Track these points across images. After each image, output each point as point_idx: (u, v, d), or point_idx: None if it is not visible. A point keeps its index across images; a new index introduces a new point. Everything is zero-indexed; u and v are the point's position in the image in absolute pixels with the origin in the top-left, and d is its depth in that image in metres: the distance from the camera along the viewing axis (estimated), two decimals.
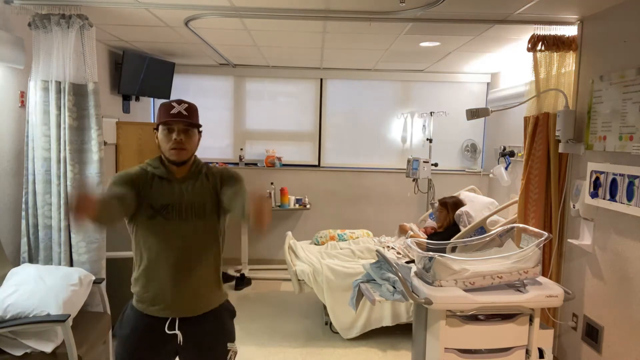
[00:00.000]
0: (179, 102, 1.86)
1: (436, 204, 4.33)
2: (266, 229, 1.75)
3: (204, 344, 1.92)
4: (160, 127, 1.86)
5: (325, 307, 3.78)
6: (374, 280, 2.63)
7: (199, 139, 1.94)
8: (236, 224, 1.99)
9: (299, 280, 3.72)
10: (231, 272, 5.12)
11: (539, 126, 3.11)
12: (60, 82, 2.94)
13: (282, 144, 5.67)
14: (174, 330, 1.88)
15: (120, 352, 1.90)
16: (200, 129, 1.93)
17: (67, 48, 2.92)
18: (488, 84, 5.52)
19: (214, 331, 1.94)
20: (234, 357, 1.99)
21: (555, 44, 3.06)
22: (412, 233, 4.31)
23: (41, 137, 2.96)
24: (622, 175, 2.51)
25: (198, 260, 1.91)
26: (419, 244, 2.58)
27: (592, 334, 2.83)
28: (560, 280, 3.14)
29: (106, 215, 1.69)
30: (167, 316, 1.88)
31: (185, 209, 1.88)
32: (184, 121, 1.83)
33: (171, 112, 1.82)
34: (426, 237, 4.19)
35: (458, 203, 4.13)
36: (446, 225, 4.11)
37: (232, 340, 1.99)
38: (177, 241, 1.87)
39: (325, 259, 3.91)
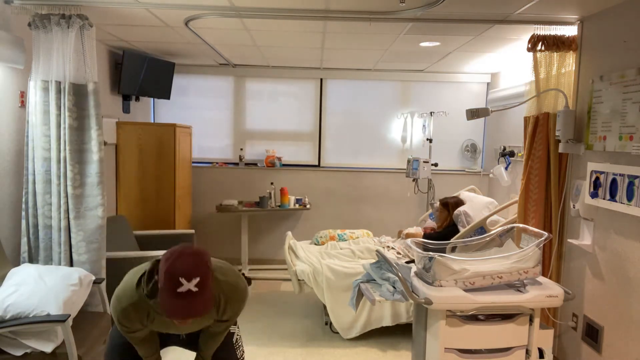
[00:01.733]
0: (189, 276, 1.53)
1: (436, 204, 4.33)
2: None
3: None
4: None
5: (325, 307, 3.78)
6: (374, 280, 2.63)
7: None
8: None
9: (299, 280, 3.72)
10: None
11: (539, 126, 3.11)
12: (60, 82, 2.94)
13: (282, 144, 5.67)
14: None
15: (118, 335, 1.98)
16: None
17: (67, 48, 2.92)
18: (488, 84, 5.52)
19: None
20: (240, 340, 2.08)
21: (555, 44, 3.06)
22: (406, 232, 4.31)
23: (41, 137, 2.96)
24: (622, 175, 2.51)
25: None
26: (418, 244, 2.58)
27: (592, 334, 2.83)
28: (560, 280, 3.15)
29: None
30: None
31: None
32: (194, 317, 1.56)
33: (178, 290, 1.53)
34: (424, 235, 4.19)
35: (459, 203, 4.14)
36: (445, 225, 4.11)
37: (234, 323, 2.09)
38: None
39: (325, 259, 3.91)
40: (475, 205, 4.19)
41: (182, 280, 1.51)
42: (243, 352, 2.16)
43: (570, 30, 3.10)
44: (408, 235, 4.26)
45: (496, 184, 5.05)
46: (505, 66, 4.91)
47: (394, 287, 2.46)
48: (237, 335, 2.09)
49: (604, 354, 2.74)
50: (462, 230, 3.91)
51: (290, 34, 3.78)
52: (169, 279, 1.52)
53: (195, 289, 1.52)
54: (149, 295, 1.68)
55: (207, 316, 1.82)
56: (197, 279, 1.53)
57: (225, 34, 3.84)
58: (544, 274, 3.04)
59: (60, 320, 2.39)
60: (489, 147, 5.47)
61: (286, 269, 3.79)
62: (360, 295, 2.66)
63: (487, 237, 2.77)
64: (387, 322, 3.66)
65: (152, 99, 5.57)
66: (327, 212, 5.64)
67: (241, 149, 5.65)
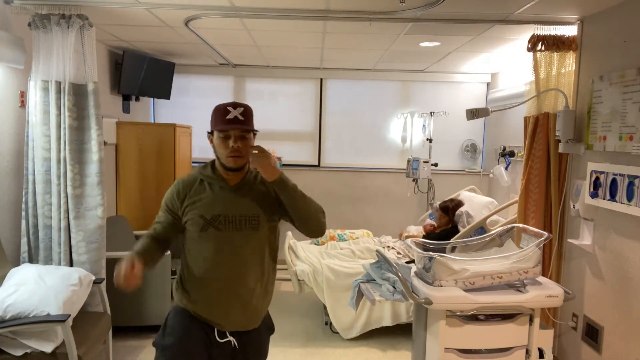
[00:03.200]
0: (234, 105, 1.77)
1: (436, 204, 4.33)
2: (276, 177, 1.72)
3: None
4: (216, 133, 1.79)
5: (325, 307, 3.78)
6: (374, 280, 2.63)
7: (254, 140, 1.87)
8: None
9: (299, 280, 3.72)
10: None
11: (539, 126, 3.11)
12: (60, 82, 2.94)
13: (282, 144, 5.67)
14: (226, 337, 1.88)
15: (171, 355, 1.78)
16: (256, 131, 1.84)
17: (67, 48, 2.92)
18: (488, 84, 5.52)
19: (252, 348, 2.02)
20: None
21: (555, 44, 3.06)
22: (407, 234, 4.31)
23: (41, 137, 2.96)
24: (622, 175, 2.51)
25: (251, 272, 1.84)
26: (418, 244, 2.58)
27: (592, 334, 2.83)
28: (560, 280, 3.14)
29: (151, 265, 1.80)
30: (218, 328, 1.86)
31: (240, 219, 1.81)
32: (241, 127, 1.75)
33: (227, 117, 1.75)
34: (423, 235, 4.19)
35: (459, 205, 4.14)
36: (443, 227, 4.12)
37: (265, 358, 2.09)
38: (230, 253, 1.81)
39: (325, 259, 3.91)
40: (475, 205, 4.19)
41: (229, 108, 1.76)
42: None
43: (570, 30, 3.10)
44: (409, 237, 4.26)
45: (496, 184, 5.05)
46: (505, 66, 4.91)
47: (394, 287, 2.46)
48: None
49: (604, 354, 2.74)
50: (462, 230, 3.91)
51: (290, 34, 3.78)
52: (217, 110, 1.78)
53: (241, 118, 1.75)
54: (204, 167, 1.89)
55: (257, 195, 1.85)
56: (242, 108, 1.77)
57: (225, 34, 3.84)
58: (544, 274, 3.04)
59: (60, 320, 2.39)
60: (489, 147, 5.47)
61: (286, 269, 3.79)
62: (360, 295, 2.66)
63: (487, 237, 2.77)
64: (387, 322, 3.66)
65: (152, 99, 5.57)
66: (327, 212, 5.60)
67: None
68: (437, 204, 4.33)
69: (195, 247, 1.83)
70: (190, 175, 1.89)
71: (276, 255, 1.96)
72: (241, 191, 1.84)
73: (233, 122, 1.75)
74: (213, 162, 1.89)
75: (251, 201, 1.84)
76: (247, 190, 1.85)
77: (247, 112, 1.79)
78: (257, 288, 1.87)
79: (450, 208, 4.13)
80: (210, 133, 1.84)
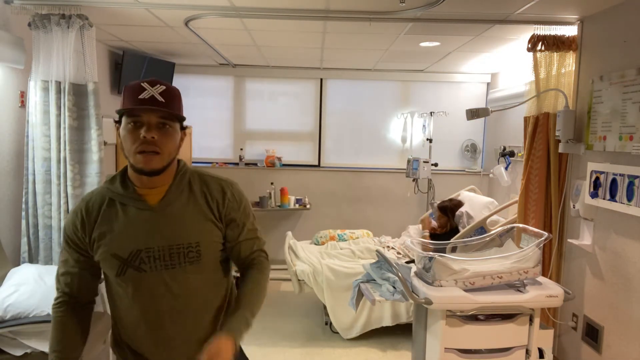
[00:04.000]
0: (153, 82, 1.27)
1: (436, 204, 4.33)
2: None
3: None
4: (124, 119, 1.27)
5: (325, 307, 3.78)
6: (374, 280, 2.63)
7: (183, 140, 1.34)
8: None
9: (299, 280, 3.72)
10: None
11: (539, 126, 3.11)
12: (60, 82, 2.94)
13: (282, 144, 5.67)
14: None
15: None
16: (185, 123, 1.34)
17: (67, 48, 2.92)
18: (488, 84, 5.52)
19: None
20: None
21: (555, 44, 3.06)
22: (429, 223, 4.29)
23: (41, 137, 2.96)
24: (622, 175, 2.51)
25: (195, 316, 1.37)
26: (420, 244, 2.58)
27: (592, 334, 2.83)
28: (560, 280, 3.14)
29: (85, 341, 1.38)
30: None
31: (171, 252, 1.30)
32: (159, 110, 1.24)
33: (140, 96, 1.24)
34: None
35: (458, 205, 4.13)
36: (448, 231, 4.11)
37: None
38: (163, 302, 1.32)
39: (325, 259, 3.91)
40: (475, 205, 4.19)
41: (144, 85, 1.24)
42: None
43: (570, 30, 3.10)
44: (423, 221, 4.32)
45: (496, 184, 5.05)
46: (505, 66, 4.91)
47: (394, 287, 2.46)
48: None
49: (604, 354, 2.74)
50: (462, 230, 3.91)
51: (290, 34, 3.78)
52: (128, 89, 1.26)
53: (160, 99, 1.24)
54: (111, 180, 1.37)
55: (192, 213, 1.34)
56: (163, 87, 1.26)
57: (225, 34, 3.84)
58: (544, 274, 3.04)
59: None
60: (489, 147, 5.47)
61: (286, 269, 3.79)
62: (360, 295, 2.66)
63: (487, 237, 2.77)
64: (387, 322, 3.66)
65: None
66: (327, 212, 5.64)
67: (241, 149, 5.65)
68: (437, 203, 4.32)
69: (116, 296, 1.36)
70: (96, 194, 1.36)
71: (230, 280, 1.50)
72: (168, 210, 1.32)
73: (147, 102, 1.24)
74: (124, 172, 1.35)
75: (185, 223, 1.33)
76: (178, 207, 1.33)
77: (172, 94, 1.28)
78: (211, 333, 1.35)
79: (449, 208, 4.12)
80: (118, 122, 1.30)
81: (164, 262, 1.30)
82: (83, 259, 1.35)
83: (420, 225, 4.46)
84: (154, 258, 1.29)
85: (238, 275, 1.49)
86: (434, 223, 4.41)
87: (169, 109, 1.26)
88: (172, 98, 1.28)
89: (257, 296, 1.41)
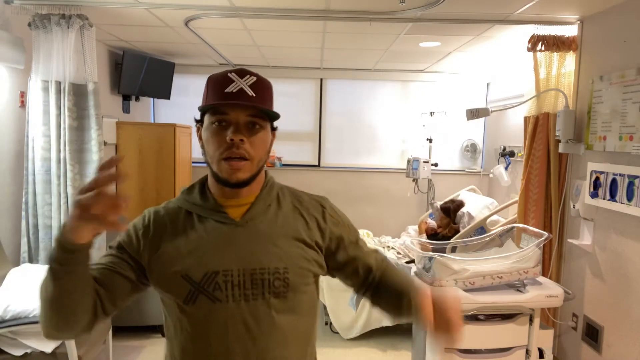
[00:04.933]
0: (241, 72, 1.07)
1: (436, 204, 4.33)
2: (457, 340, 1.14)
3: None
4: (206, 118, 1.07)
5: (325, 307, 3.78)
6: None
7: (272, 143, 1.13)
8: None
9: None
10: None
11: (539, 126, 3.11)
12: (60, 82, 2.94)
13: (282, 144, 5.67)
14: None
15: None
16: (275, 126, 1.14)
17: (67, 48, 2.92)
18: (488, 84, 5.52)
19: None
20: None
21: (555, 44, 3.06)
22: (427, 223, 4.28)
23: (41, 137, 2.96)
24: (622, 175, 2.51)
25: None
26: (420, 244, 2.58)
27: (592, 334, 2.83)
28: (560, 280, 3.14)
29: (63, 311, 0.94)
30: None
31: (253, 279, 1.04)
32: (250, 105, 1.04)
33: (226, 89, 1.04)
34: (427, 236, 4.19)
35: (460, 206, 4.14)
36: (452, 234, 4.10)
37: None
38: (235, 341, 1.03)
39: None
40: (476, 205, 4.19)
41: (232, 75, 1.05)
42: None
43: (570, 30, 3.10)
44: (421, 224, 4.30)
45: (496, 184, 5.05)
46: (505, 66, 4.91)
47: None
48: None
49: (604, 354, 2.74)
50: (462, 230, 3.91)
51: (290, 34, 3.78)
52: (212, 81, 1.09)
53: (251, 93, 1.04)
54: (188, 190, 1.15)
55: (285, 235, 1.09)
56: (254, 78, 1.06)
57: (225, 34, 3.84)
58: (544, 274, 3.04)
59: None
60: (489, 147, 5.47)
61: None
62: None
63: (487, 237, 2.77)
64: (387, 322, 3.66)
65: (152, 99, 5.56)
66: None
67: None
68: (437, 203, 4.32)
69: (178, 328, 1.07)
70: (170, 205, 1.13)
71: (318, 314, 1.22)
72: (252, 226, 1.08)
73: (235, 97, 1.03)
74: (204, 181, 1.15)
75: (272, 243, 1.07)
76: (265, 223, 1.10)
77: (264, 86, 1.08)
78: None
79: (451, 209, 4.12)
80: (199, 121, 1.12)
81: (243, 291, 1.03)
82: (127, 266, 1.05)
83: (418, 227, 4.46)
84: (232, 284, 1.02)
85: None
86: (433, 223, 4.41)
87: (261, 105, 1.05)
88: (264, 91, 1.07)
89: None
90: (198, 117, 1.12)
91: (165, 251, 1.05)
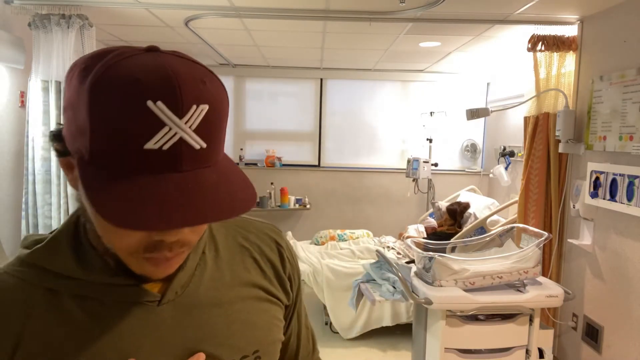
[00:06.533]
0: (178, 86, 0.54)
1: (437, 203, 4.34)
2: None
3: None
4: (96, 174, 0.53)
5: (325, 307, 3.78)
6: (374, 280, 2.63)
7: None
8: None
9: None
10: None
11: (539, 126, 3.11)
12: (60, 82, 2.94)
13: (282, 144, 5.67)
14: None
15: None
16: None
17: (67, 48, 2.92)
18: (488, 84, 5.52)
19: None
20: None
21: (555, 44, 3.06)
22: (407, 234, 4.30)
23: (41, 137, 2.96)
24: (622, 175, 2.51)
25: None
26: (418, 244, 2.59)
27: (592, 334, 2.83)
28: (560, 280, 3.14)
29: None
30: None
31: None
32: (198, 170, 0.54)
33: (147, 144, 0.51)
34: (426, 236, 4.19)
35: (466, 207, 4.15)
36: (453, 231, 4.11)
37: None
38: None
39: (325, 259, 3.92)
40: (476, 205, 4.19)
41: (158, 106, 0.52)
42: None
43: (570, 30, 3.10)
44: (408, 238, 4.27)
45: (496, 184, 5.05)
46: (505, 66, 4.91)
47: (394, 287, 2.46)
48: None
49: (604, 354, 2.74)
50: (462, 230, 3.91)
51: (290, 34, 3.78)
52: (109, 99, 0.53)
53: (199, 143, 0.54)
54: (42, 254, 0.62)
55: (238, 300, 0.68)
56: (205, 106, 0.54)
57: (225, 34, 3.84)
58: (544, 274, 3.04)
59: None
60: (489, 147, 5.47)
61: None
62: (360, 295, 2.67)
63: (487, 237, 2.77)
64: (387, 322, 3.66)
65: None
66: (327, 212, 5.64)
67: (241, 149, 5.65)
68: (439, 203, 4.33)
69: None
70: (11, 281, 0.61)
71: None
72: (187, 299, 0.65)
73: (168, 164, 0.52)
74: (74, 231, 0.63)
75: (225, 317, 0.67)
76: (206, 286, 0.67)
77: (217, 114, 0.56)
78: None
79: (457, 212, 4.14)
80: (62, 154, 0.59)
81: None
82: None
83: (418, 226, 4.46)
84: None
85: None
86: (433, 222, 4.42)
87: (213, 160, 0.57)
88: (218, 124, 0.57)
89: None
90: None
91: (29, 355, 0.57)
